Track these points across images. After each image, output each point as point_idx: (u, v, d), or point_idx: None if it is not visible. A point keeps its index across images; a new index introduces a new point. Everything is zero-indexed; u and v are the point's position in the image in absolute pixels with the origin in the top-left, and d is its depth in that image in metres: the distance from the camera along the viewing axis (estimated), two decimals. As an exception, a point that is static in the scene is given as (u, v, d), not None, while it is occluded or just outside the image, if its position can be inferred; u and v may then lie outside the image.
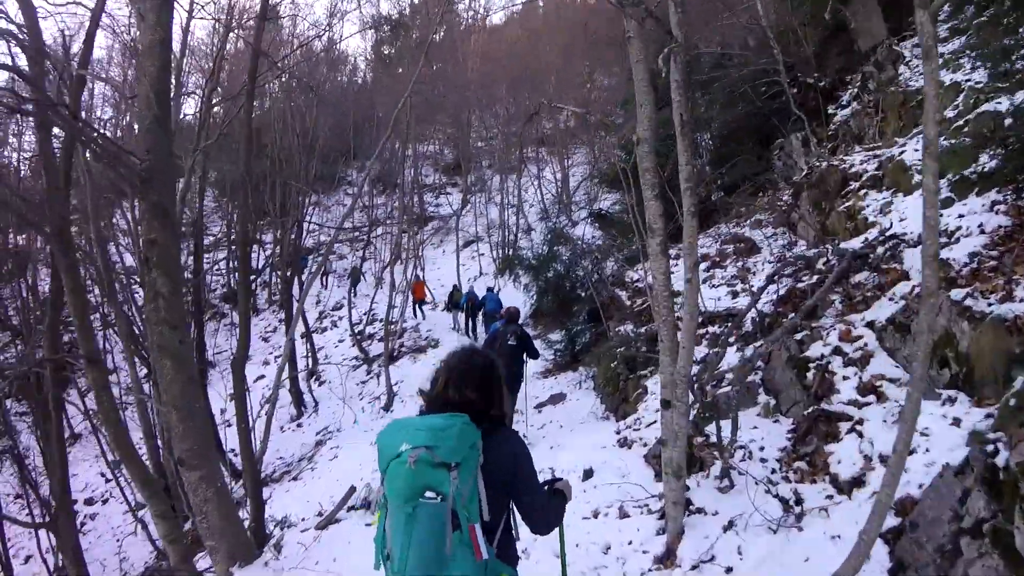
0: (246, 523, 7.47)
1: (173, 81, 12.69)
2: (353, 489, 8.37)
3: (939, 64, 3.77)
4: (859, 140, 11.41)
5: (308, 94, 24.29)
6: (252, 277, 28.88)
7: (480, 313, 18.10)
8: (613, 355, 10.34)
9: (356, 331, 21.22)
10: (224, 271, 30.30)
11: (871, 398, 5.38)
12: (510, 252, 24.22)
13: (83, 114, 17.38)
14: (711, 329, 9.03)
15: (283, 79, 24.03)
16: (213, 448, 6.22)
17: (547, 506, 2.47)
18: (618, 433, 7.75)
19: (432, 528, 1.99)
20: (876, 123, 11.08)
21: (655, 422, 7.29)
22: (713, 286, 10.59)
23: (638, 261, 13.33)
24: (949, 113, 8.36)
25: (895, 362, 5.62)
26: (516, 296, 17.38)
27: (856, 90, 12.76)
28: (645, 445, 7.06)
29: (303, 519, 8.51)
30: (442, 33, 41.78)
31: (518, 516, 2.37)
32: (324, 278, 29.00)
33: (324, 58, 31.77)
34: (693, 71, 15.27)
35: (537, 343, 12.02)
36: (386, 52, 38.94)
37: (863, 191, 8.73)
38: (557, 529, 2.62)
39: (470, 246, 29.19)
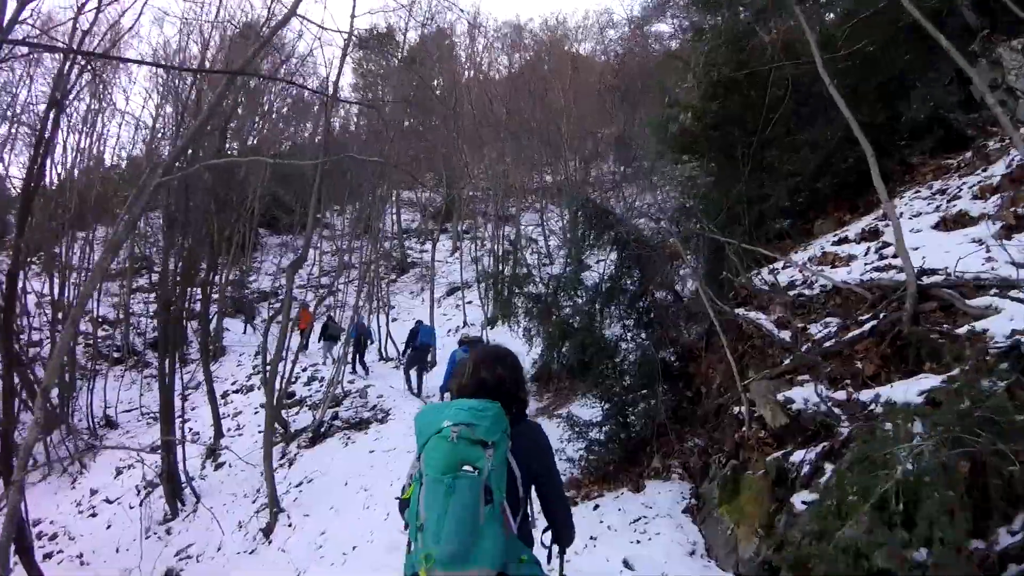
0: None
1: None
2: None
3: None
4: None
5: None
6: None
7: (409, 349, 13.65)
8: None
9: (282, 391, 13.87)
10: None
11: None
12: (505, 287, 16.98)
13: None
14: None
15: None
16: None
17: (565, 498, 2.44)
18: None
19: (469, 498, 1.98)
20: None
21: None
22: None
23: (786, 238, 6.44)
24: None
25: None
26: (514, 350, 10.32)
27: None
28: None
29: None
30: (440, 80, 36.21)
31: (535, 504, 2.30)
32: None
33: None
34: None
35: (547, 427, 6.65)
36: (365, 71, 32.48)
37: None
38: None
39: (455, 294, 22.44)
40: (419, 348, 13.01)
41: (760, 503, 4.17)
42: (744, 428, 4.72)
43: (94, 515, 12.03)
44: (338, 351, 15.95)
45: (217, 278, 22.97)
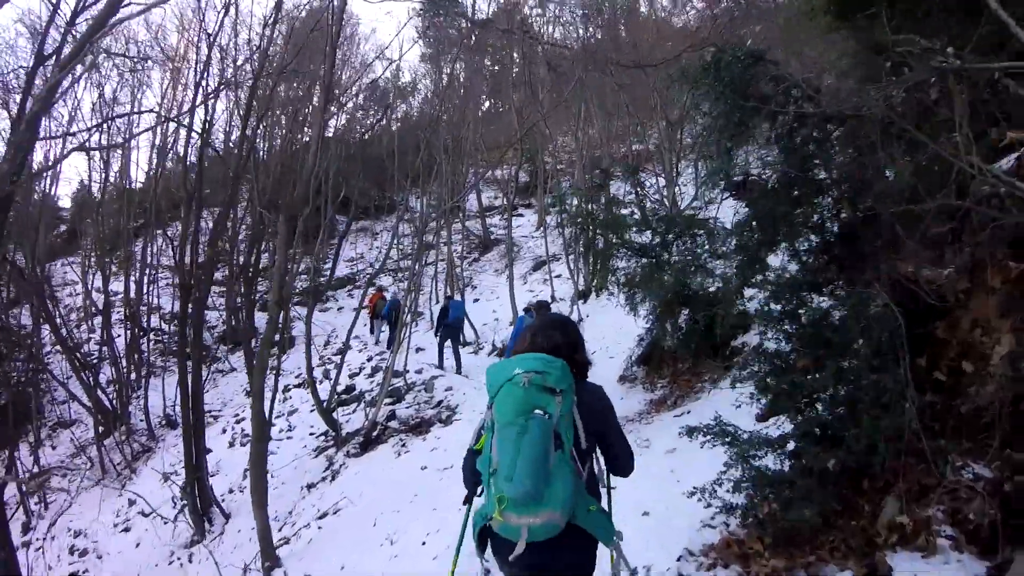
0: None
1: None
2: None
3: None
4: None
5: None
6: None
7: (440, 325, 12.70)
8: None
9: (335, 391, 11.58)
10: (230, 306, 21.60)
11: None
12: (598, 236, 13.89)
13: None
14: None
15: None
16: None
17: (630, 452, 2.30)
18: None
19: (540, 438, 1.94)
20: None
21: None
22: None
23: None
24: None
25: None
26: (613, 327, 8.12)
27: None
28: None
29: None
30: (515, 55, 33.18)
31: (602, 462, 2.26)
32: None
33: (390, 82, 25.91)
34: None
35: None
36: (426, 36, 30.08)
37: None
38: None
39: (541, 268, 19.82)
40: (450, 324, 12.46)
41: None
42: None
43: (127, 530, 10.55)
44: (385, 330, 15.43)
45: (289, 266, 21.21)
